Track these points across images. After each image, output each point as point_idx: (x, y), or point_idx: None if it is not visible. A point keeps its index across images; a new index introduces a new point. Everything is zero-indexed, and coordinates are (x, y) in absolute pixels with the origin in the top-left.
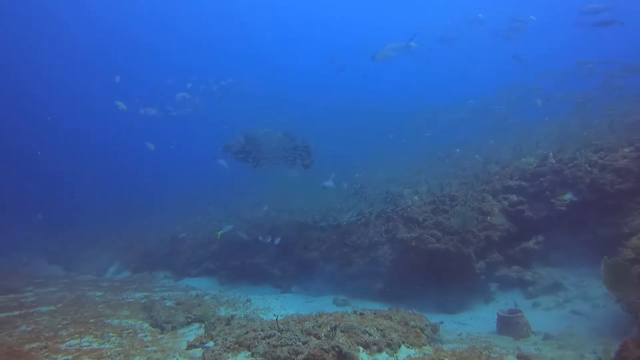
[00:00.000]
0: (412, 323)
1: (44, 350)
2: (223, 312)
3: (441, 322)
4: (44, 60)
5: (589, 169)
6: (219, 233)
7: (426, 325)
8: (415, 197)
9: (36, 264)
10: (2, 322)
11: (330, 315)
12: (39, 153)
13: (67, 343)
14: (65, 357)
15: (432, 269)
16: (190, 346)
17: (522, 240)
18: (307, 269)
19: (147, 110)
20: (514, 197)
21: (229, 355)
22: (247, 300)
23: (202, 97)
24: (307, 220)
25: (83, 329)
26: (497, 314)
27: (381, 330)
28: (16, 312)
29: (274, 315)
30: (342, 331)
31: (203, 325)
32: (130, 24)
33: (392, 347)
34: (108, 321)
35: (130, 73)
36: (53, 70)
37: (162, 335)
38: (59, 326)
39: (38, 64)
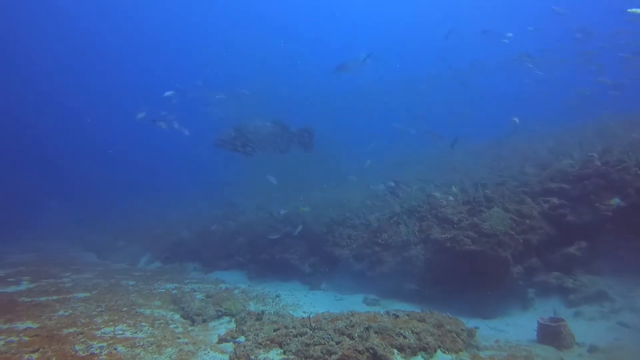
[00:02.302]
0: (448, 327)
1: (80, 335)
2: (253, 307)
3: (476, 327)
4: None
5: (639, 172)
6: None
7: (462, 329)
8: (450, 197)
9: (73, 251)
10: (43, 306)
11: (363, 314)
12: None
13: (102, 330)
14: (100, 344)
15: (467, 272)
16: (222, 340)
17: (563, 245)
18: (337, 266)
19: (161, 124)
20: (555, 200)
21: (261, 351)
22: (277, 296)
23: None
24: (337, 217)
25: (117, 317)
26: (538, 321)
27: (416, 333)
28: (55, 297)
29: (304, 312)
30: (375, 332)
31: (233, 319)
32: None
33: (428, 351)
34: (140, 310)
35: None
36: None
37: (193, 327)
38: (94, 313)
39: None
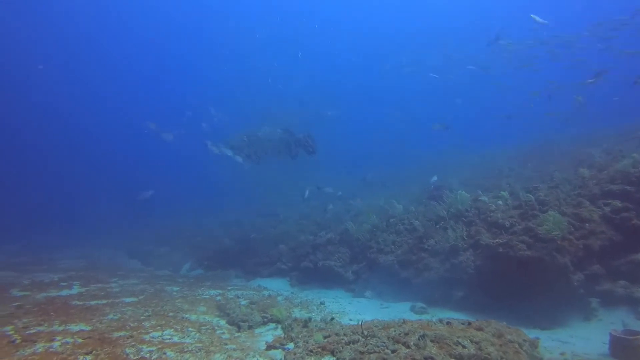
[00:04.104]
0: (509, 337)
1: (130, 339)
2: (297, 313)
3: (537, 338)
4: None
5: None
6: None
7: (524, 340)
8: (499, 202)
9: (118, 257)
10: (93, 309)
11: (415, 322)
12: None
13: (151, 334)
14: (150, 348)
15: (521, 279)
16: (270, 347)
17: (629, 251)
18: (382, 273)
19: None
20: (618, 203)
21: (312, 359)
22: (321, 303)
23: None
24: (380, 223)
25: (164, 322)
26: (610, 334)
27: (476, 343)
28: (104, 301)
29: (350, 319)
30: (432, 341)
31: (279, 326)
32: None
33: None
34: (186, 316)
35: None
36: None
37: (239, 333)
38: (142, 317)
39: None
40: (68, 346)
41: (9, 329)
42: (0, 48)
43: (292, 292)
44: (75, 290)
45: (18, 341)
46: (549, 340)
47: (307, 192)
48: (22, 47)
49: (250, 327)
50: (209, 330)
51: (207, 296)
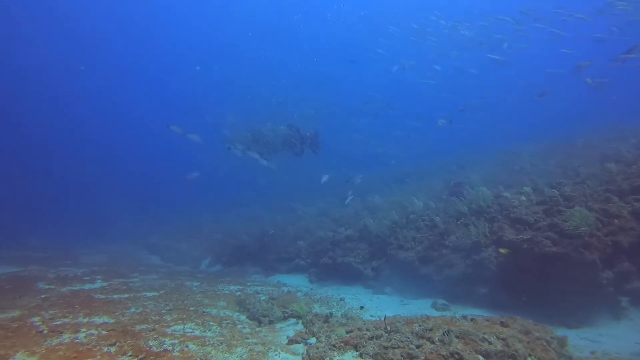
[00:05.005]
0: (537, 334)
1: (152, 332)
2: (317, 309)
3: (565, 336)
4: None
5: None
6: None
7: (552, 337)
8: (522, 197)
9: (138, 253)
10: (116, 303)
11: (439, 318)
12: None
13: (172, 328)
14: (172, 341)
15: (546, 276)
16: (292, 341)
17: None
18: (402, 269)
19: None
20: None
21: (335, 353)
22: (341, 299)
23: None
24: (400, 219)
25: (185, 316)
26: None
27: (502, 339)
28: (126, 295)
29: (371, 315)
30: (457, 337)
31: (300, 321)
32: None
33: (517, 359)
34: (207, 310)
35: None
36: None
37: (260, 328)
38: (163, 311)
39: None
40: (93, 337)
41: (36, 319)
42: (24, 51)
43: (311, 288)
44: (98, 284)
45: (45, 331)
46: (577, 339)
47: (325, 177)
48: (48, 50)
49: (270, 322)
50: (230, 325)
51: (227, 291)
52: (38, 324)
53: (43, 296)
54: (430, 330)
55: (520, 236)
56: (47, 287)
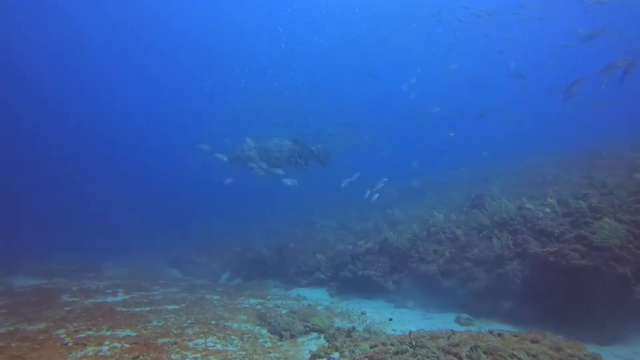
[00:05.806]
0: (569, 350)
1: (174, 345)
2: (339, 323)
3: (599, 354)
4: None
5: None
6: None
7: (585, 355)
8: (547, 209)
9: (159, 266)
10: (138, 316)
11: (464, 333)
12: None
13: (194, 342)
14: (195, 355)
15: (574, 290)
16: (314, 356)
17: None
18: (423, 283)
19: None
20: None
21: None
22: (362, 313)
23: None
24: (421, 231)
25: (206, 330)
26: None
27: (533, 356)
28: (147, 308)
29: (393, 330)
30: (485, 352)
31: (322, 335)
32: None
33: None
34: (228, 324)
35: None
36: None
37: (282, 342)
38: (185, 324)
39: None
40: (116, 350)
41: (61, 332)
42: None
43: (332, 302)
44: (120, 297)
45: (70, 344)
46: (610, 357)
47: (346, 181)
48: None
49: (292, 336)
50: (251, 339)
51: (248, 305)
52: (63, 336)
53: (67, 309)
54: (457, 345)
55: (547, 249)
56: (70, 299)
